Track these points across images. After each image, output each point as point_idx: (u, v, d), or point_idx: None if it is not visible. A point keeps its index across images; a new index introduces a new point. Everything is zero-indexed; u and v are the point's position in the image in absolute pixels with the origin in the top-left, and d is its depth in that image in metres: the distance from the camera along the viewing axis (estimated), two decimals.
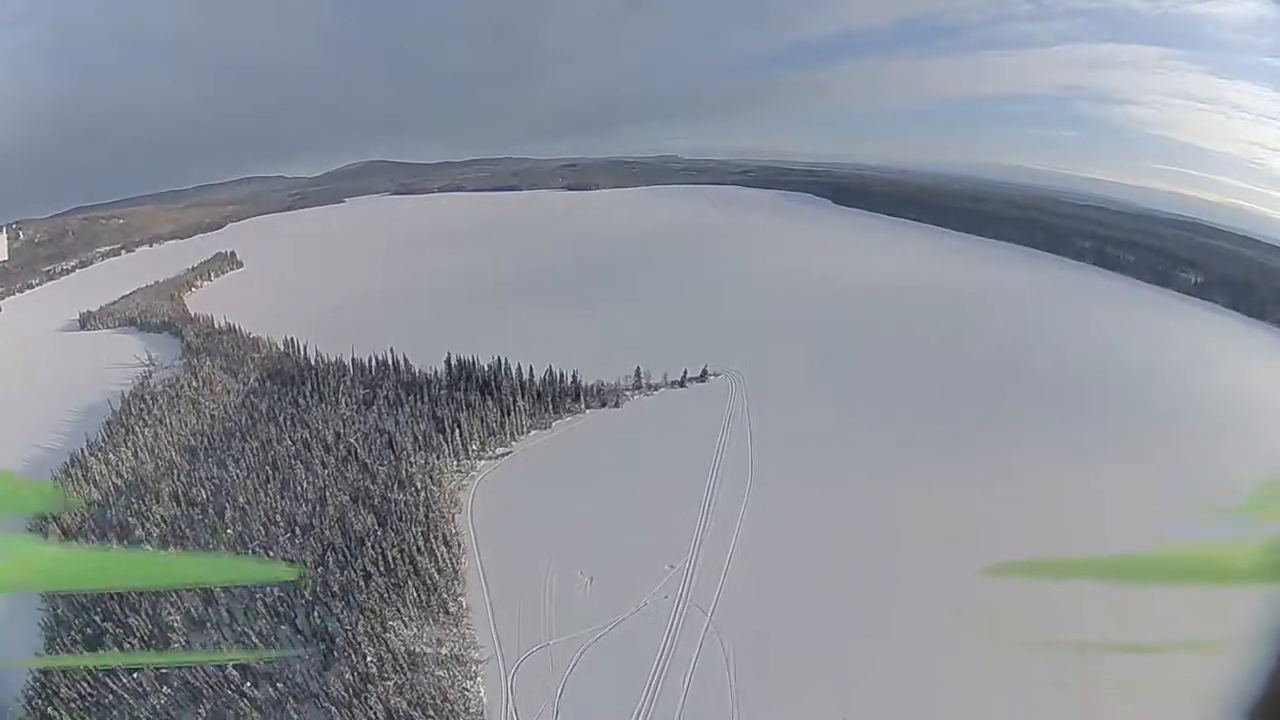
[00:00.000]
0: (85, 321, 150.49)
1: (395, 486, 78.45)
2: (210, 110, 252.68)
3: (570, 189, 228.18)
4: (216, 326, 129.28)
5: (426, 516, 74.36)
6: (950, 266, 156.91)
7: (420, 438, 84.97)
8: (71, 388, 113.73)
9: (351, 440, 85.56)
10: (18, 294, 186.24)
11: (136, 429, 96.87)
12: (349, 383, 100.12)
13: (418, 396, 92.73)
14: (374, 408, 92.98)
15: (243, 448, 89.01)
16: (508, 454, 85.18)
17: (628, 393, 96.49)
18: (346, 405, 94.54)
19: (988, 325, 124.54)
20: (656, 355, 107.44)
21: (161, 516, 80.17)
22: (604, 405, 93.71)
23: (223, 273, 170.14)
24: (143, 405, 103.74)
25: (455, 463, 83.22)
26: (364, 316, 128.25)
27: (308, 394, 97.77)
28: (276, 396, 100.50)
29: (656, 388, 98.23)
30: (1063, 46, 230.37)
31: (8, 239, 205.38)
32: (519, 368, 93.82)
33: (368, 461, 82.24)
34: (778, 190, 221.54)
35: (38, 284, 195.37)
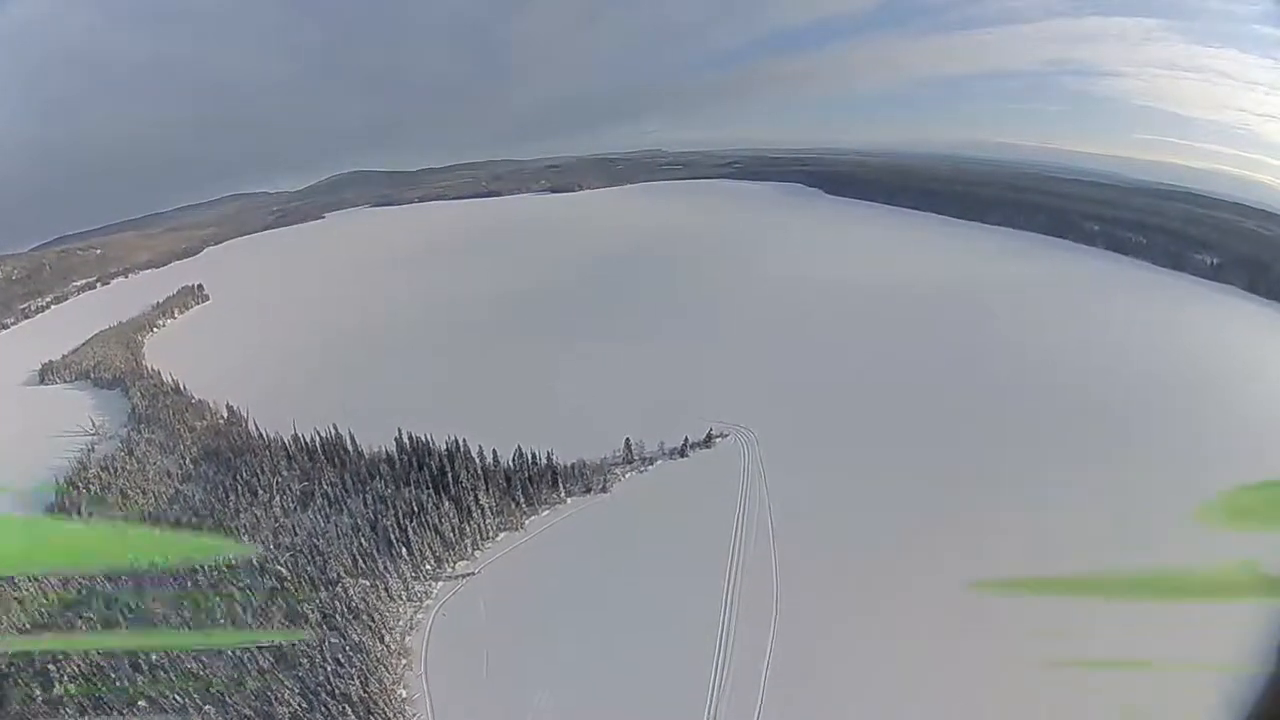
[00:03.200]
0: (45, 374, 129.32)
1: (329, 634, 56.58)
2: (188, 130, 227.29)
3: (554, 192, 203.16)
4: (164, 385, 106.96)
5: (365, 687, 52.45)
6: (961, 263, 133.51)
7: (362, 558, 62.58)
8: (18, 466, 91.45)
9: (280, 567, 63.06)
10: None
11: None
12: (288, 466, 77.65)
13: (361, 494, 70.16)
14: (310, 509, 70.47)
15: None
16: (470, 575, 62.47)
17: (616, 470, 73.12)
18: (281, 505, 72.06)
19: (1023, 336, 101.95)
20: (649, 403, 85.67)
21: (76, 669, 58.83)
22: (588, 491, 70.43)
23: (187, 308, 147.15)
24: (75, 496, 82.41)
25: (404, 589, 60.83)
26: (319, 365, 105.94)
27: (241, 487, 75.40)
28: (210, 487, 78.61)
29: (652, 460, 74.65)
30: (1047, 21, 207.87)
31: None
32: (480, 450, 70.85)
33: (297, 598, 59.95)
34: (767, 182, 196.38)
35: (12, 323, 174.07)
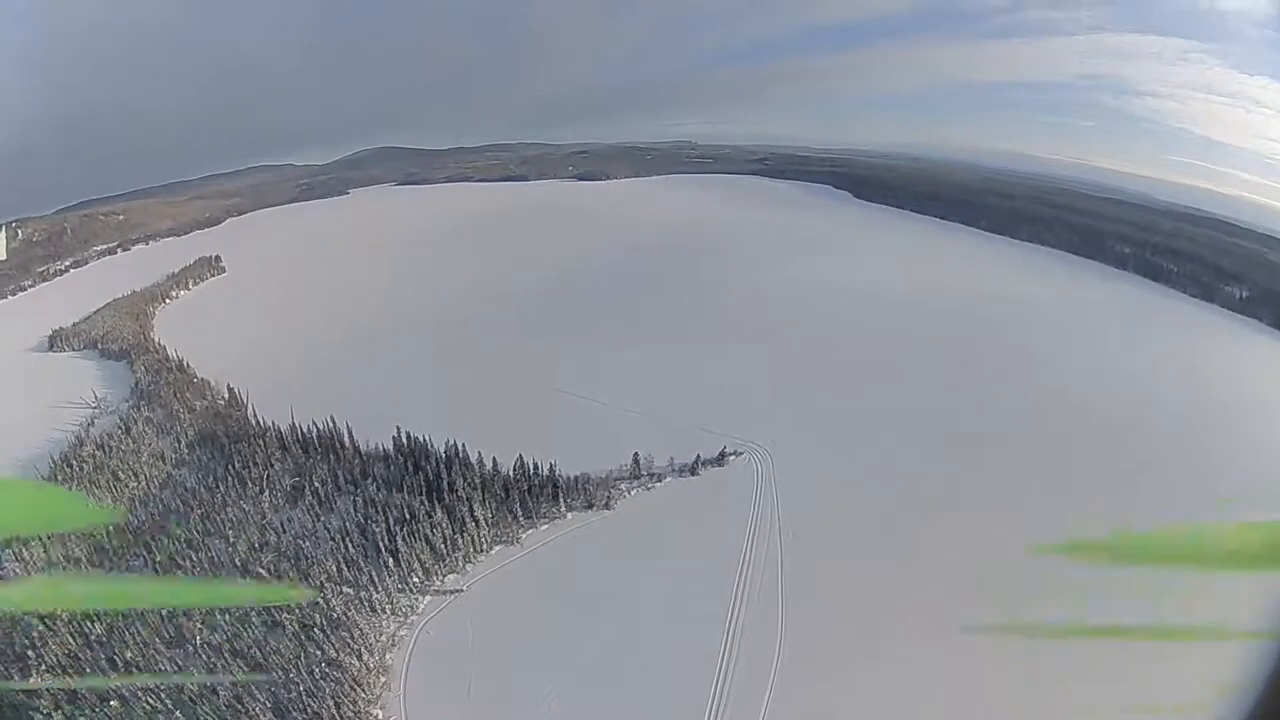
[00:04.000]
0: (54, 341, 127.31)
1: (307, 646, 52.84)
2: (216, 100, 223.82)
3: (580, 179, 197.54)
4: (169, 360, 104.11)
5: (338, 708, 48.65)
6: (990, 280, 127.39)
7: (346, 565, 58.71)
8: (15, 440, 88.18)
9: (262, 569, 59.43)
10: (9, 297, 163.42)
11: None
12: (281, 458, 73.97)
13: (352, 495, 66.30)
14: (299, 507, 66.75)
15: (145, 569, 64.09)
16: (459, 590, 58.33)
17: (622, 485, 68.46)
18: (270, 500, 68.36)
19: (1049, 359, 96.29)
20: (661, 413, 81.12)
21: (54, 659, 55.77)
22: (590, 506, 65.91)
23: (203, 280, 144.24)
24: (68, 476, 79.17)
25: (389, 602, 56.86)
26: (324, 351, 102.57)
27: (232, 478, 71.81)
28: (201, 474, 75.15)
29: (660, 477, 69.84)
30: (1084, 35, 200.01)
31: (6, 238, 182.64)
32: (480, 457, 66.59)
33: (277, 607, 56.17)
34: (796, 181, 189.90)
35: (30, 285, 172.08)
